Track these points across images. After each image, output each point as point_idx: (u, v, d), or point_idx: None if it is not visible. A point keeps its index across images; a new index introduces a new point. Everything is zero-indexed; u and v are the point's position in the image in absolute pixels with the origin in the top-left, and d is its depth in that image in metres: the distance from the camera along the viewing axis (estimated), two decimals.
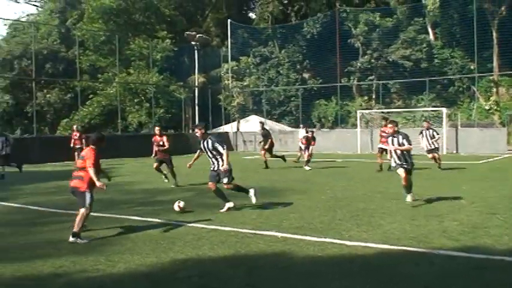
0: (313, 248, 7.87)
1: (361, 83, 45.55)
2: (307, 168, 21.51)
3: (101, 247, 8.11)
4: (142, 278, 6.56)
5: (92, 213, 10.49)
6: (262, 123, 24.77)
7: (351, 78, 45.57)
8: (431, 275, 6.50)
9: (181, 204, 11.21)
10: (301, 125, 27.27)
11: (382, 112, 37.59)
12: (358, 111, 36.89)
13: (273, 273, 6.66)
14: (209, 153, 11.42)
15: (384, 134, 19.17)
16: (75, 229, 8.53)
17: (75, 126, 28.31)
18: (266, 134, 23.49)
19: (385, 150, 18.80)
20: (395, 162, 12.16)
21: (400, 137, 12.02)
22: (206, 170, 17.76)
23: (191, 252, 7.70)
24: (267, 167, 22.29)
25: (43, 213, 11.60)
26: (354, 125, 37.67)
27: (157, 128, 17.58)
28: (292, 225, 9.61)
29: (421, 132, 20.58)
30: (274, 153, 23.43)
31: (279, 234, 8.75)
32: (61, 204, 12.18)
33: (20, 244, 8.52)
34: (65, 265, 7.10)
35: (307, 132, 23.52)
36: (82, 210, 8.58)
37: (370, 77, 45.41)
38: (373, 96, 44.78)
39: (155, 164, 17.33)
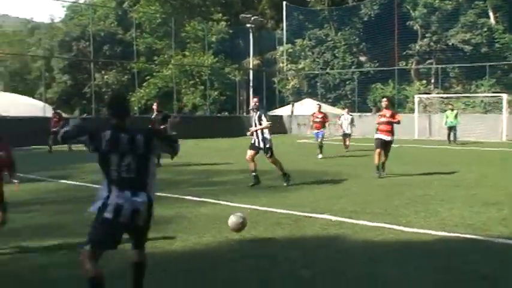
0: (369, 233, 7.83)
1: (420, 66, 44.67)
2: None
3: (158, 226, 8.18)
4: (199, 257, 6.68)
5: None
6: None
7: (409, 61, 44.71)
8: (488, 263, 6.38)
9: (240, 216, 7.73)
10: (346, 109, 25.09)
11: (441, 97, 36.80)
12: (416, 96, 36.21)
13: (328, 257, 6.66)
14: None
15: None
16: None
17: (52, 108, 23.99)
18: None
19: None
20: None
21: None
22: (262, 153, 17.78)
23: (246, 233, 7.75)
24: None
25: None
26: (412, 110, 37.00)
27: None
28: (345, 209, 9.57)
29: None
30: None
31: (333, 218, 8.74)
32: None
33: (79, 220, 8.77)
34: (122, 242, 7.26)
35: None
36: None
37: (429, 61, 44.45)
38: (432, 81, 43.87)
39: None
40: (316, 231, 7.94)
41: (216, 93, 43.92)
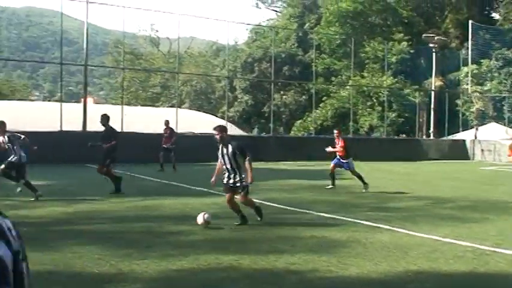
0: None
1: None
2: None
3: (332, 248, 8.18)
4: (375, 285, 6.45)
5: (323, 214, 10.81)
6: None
7: None
8: None
9: (206, 216, 9.52)
10: None
11: None
12: None
13: None
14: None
15: None
16: None
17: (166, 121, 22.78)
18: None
19: None
20: None
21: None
22: (442, 179, 16.87)
23: (424, 265, 7.36)
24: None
25: (279, 209, 12.13)
26: None
27: None
28: None
29: None
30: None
31: None
32: (295, 203, 12.60)
33: (257, 237, 8.99)
34: (298, 263, 7.28)
35: None
36: None
37: None
38: None
39: None
40: (502, 268, 7.29)
41: (394, 114, 43.03)
